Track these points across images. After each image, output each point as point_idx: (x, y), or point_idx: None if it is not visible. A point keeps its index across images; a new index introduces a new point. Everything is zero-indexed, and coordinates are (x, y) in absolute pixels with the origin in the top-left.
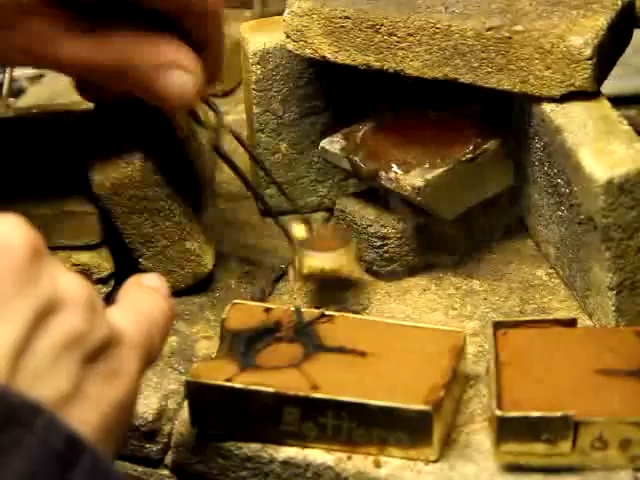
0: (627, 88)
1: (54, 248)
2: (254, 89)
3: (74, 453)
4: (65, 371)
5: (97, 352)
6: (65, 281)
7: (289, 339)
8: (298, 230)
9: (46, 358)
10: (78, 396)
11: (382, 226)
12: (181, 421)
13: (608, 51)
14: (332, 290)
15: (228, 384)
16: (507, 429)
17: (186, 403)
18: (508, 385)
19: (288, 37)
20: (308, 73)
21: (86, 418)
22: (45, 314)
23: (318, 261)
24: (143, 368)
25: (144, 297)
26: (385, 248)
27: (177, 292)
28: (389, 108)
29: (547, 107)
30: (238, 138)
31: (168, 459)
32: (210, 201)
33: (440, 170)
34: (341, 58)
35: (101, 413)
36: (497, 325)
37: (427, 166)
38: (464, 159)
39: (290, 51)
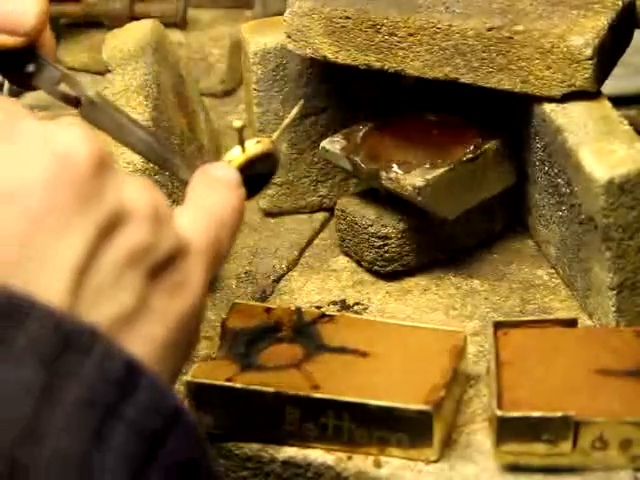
0: (628, 88)
1: None
2: (255, 89)
3: (132, 379)
4: (130, 286)
5: (163, 265)
6: (130, 192)
7: (290, 339)
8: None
9: (110, 274)
10: (144, 311)
11: (383, 226)
12: None
13: (609, 51)
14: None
15: (229, 384)
16: (507, 429)
17: (186, 403)
18: (508, 385)
19: (289, 37)
20: (309, 73)
21: (153, 333)
22: (109, 229)
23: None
24: (210, 274)
25: (212, 194)
26: (386, 248)
27: None
28: (390, 108)
29: (548, 107)
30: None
31: None
32: None
33: (441, 170)
34: (342, 58)
35: (168, 327)
36: (498, 325)
37: (427, 166)
38: (465, 159)
39: (291, 51)
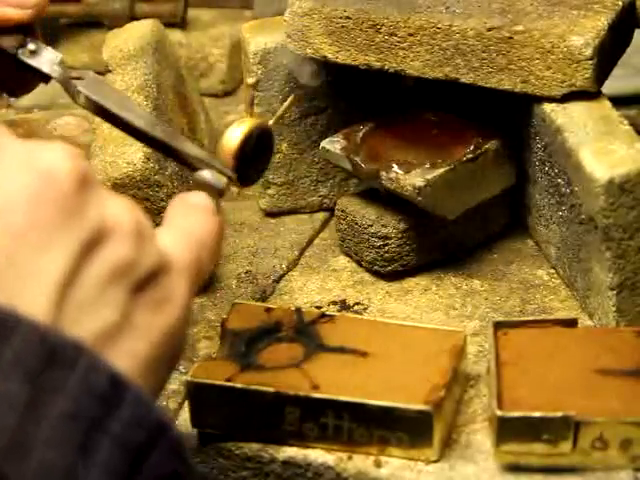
0: (628, 88)
1: None
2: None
3: (117, 393)
4: (113, 302)
5: (146, 281)
6: (113, 209)
7: (290, 339)
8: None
9: (93, 289)
10: (127, 326)
11: (383, 226)
12: (182, 421)
13: (609, 51)
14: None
15: (229, 384)
16: (507, 429)
17: (187, 403)
18: (509, 385)
19: (289, 37)
20: (309, 73)
21: (136, 348)
22: (92, 245)
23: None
24: (193, 291)
25: (191, 217)
26: (386, 248)
27: None
28: (390, 108)
29: (548, 107)
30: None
31: None
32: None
33: (441, 170)
34: (342, 58)
35: (151, 342)
36: (498, 325)
37: (428, 166)
38: (465, 159)
39: (291, 51)
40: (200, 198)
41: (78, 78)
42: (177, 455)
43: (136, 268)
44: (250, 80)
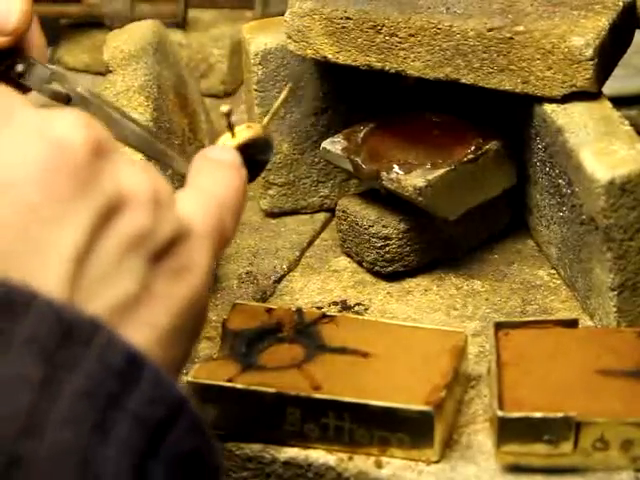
0: (628, 88)
1: None
2: (255, 90)
3: (134, 370)
4: (130, 272)
5: (165, 250)
6: (129, 177)
7: (290, 339)
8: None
9: (109, 261)
10: (146, 297)
11: (383, 226)
12: None
13: (609, 52)
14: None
15: (229, 384)
16: (508, 430)
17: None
18: (509, 386)
19: (289, 38)
20: (309, 74)
21: (156, 319)
22: (107, 215)
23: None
24: (215, 256)
25: (214, 176)
26: (387, 249)
27: None
28: (390, 108)
29: (548, 108)
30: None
31: None
32: None
33: (441, 171)
34: (342, 59)
35: (172, 312)
36: (498, 326)
37: (428, 167)
38: (465, 160)
39: (291, 52)
40: (224, 153)
41: (68, 99)
42: (197, 431)
43: (153, 237)
44: (223, 108)
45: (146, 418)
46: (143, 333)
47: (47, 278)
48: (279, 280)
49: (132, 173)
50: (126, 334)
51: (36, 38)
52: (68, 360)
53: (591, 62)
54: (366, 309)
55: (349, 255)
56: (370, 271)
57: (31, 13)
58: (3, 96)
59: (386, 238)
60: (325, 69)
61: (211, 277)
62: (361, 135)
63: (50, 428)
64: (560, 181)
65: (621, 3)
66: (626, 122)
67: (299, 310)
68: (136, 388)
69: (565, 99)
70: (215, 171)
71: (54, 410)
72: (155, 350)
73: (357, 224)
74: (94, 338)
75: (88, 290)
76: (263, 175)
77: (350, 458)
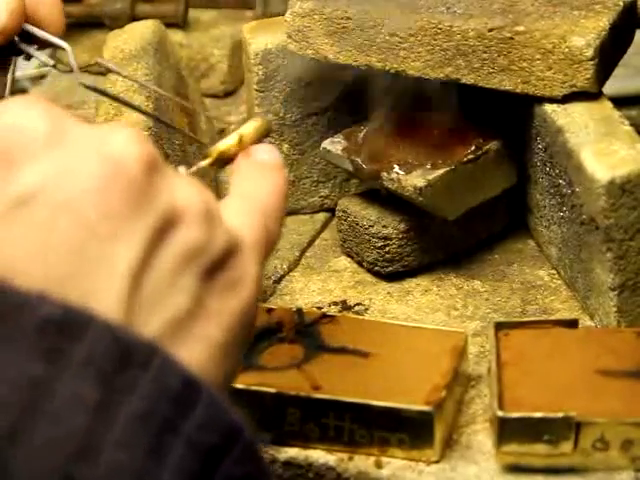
0: (629, 89)
1: None
2: (256, 89)
3: (190, 395)
4: (184, 288)
5: (217, 264)
6: (181, 193)
7: (290, 340)
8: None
9: (164, 278)
10: (200, 313)
11: (384, 227)
12: None
13: (610, 52)
14: None
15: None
16: (508, 430)
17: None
18: (510, 386)
19: (290, 37)
20: (309, 73)
21: (210, 334)
22: (161, 232)
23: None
24: (264, 265)
25: (258, 181)
26: (387, 249)
27: None
28: (391, 108)
29: (549, 108)
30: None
31: None
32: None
33: (442, 171)
34: (343, 58)
35: (225, 327)
36: (499, 326)
37: (428, 167)
38: (466, 160)
39: (292, 51)
40: (267, 153)
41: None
42: (251, 457)
43: (206, 252)
44: (204, 162)
45: (201, 443)
46: (197, 350)
47: (104, 298)
48: (279, 280)
49: (183, 188)
50: (180, 352)
51: (55, 16)
52: (125, 383)
53: (591, 62)
54: (366, 309)
55: (349, 255)
56: (370, 271)
57: (21, 12)
58: (55, 116)
59: (386, 238)
60: (325, 69)
61: (261, 285)
62: (361, 135)
63: (105, 451)
64: (560, 181)
65: (621, 3)
66: (626, 122)
67: (299, 310)
68: (192, 413)
69: (565, 99)
70: (259, 175)
71: (109, 433)
72: (209, 366)
73: (357, 224)
74: (151, 361)
75: (144, 308)
76: None
77: (350, 458)
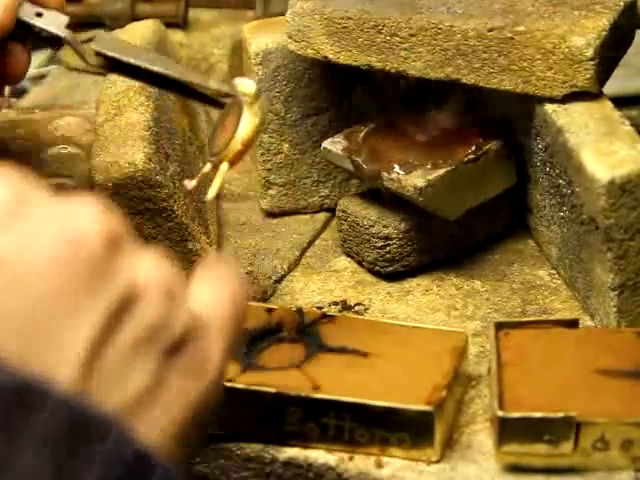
0: (629, 89)
1: None
2: None
3: (146, 469)
4: (144, 367)
5: (179, 343)
6: (142, 268)
7: (291, 339)
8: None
9: (123, 355)
10: (160, 392)
11: (384, 226)
12: None
13: (610, 52)
14: None
15: (230, 384)
16: (509, 430)
17: None
18: (510, 385)
19: (290, 37)
20: (310, 73)
21: (170, 414)
22: (121, 309)
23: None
24: (231, 346)
25: (221, 277)
26: (387, 249)
27: None
28: (391, 108)
29: (549, 108)
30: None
31: None
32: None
33: (442, 171)
34: (343, 58)
35: (186, 407)
36: (499, 326)
37: (429, 167)
38: (466, 160)
39: (292, 51)
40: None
41: (89, 40)
42: None
43: (167, 331)
44: (206, 169)
45: None
46: (157, 428)
47: (60, 371)
48: (279, 280)
49: (146, 264)
50: (140, 429)
51: None
52: (81, 456)
53: (592, 62)
54: (366, 309)
55: (349, 255)
56: (370, 271)
57: (14, 9)
58: (20, 188)
59: (386, 238)
60: (325, 69)
61: (227, 367)
62: (362, 135)
63: None
64: (560, 181)
65: (622, 3)
66: (627, 122)
67: (299, 310)
68: None
69: (566, 99)
70: (221, 272)
71: None
72: (169, 443)
73: (357, 224)
74: (107, 435)
75: (101, 385)
76: (264, 175)
77: (350, 458)
